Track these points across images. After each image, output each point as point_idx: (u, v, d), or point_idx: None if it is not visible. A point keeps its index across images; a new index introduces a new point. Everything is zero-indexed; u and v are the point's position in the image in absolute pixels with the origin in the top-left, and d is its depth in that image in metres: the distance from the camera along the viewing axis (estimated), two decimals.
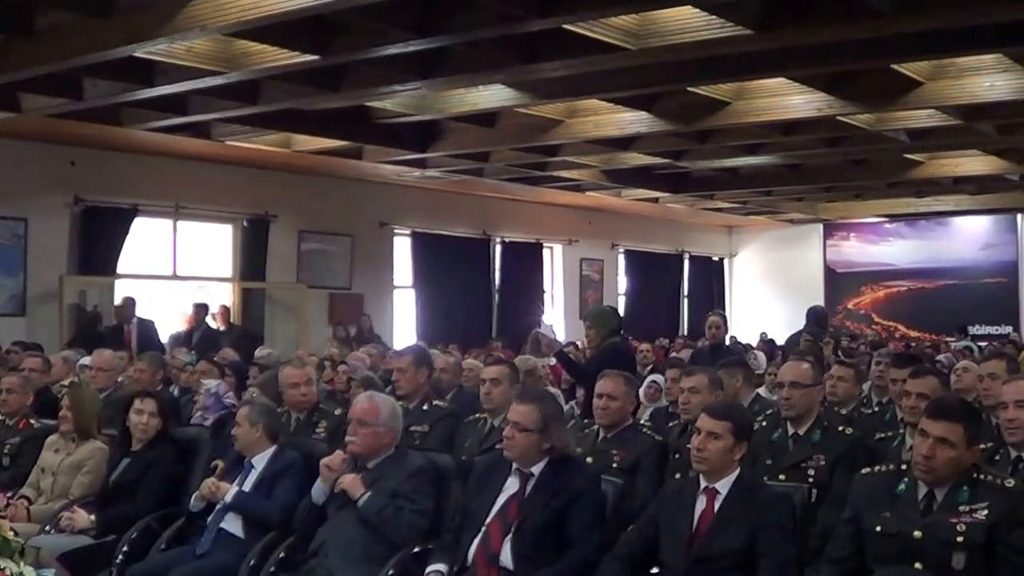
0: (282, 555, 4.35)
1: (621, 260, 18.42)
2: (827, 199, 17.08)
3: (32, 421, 5.87)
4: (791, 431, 4.45)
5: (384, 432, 4.40)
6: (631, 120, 9.70)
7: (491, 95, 8.74)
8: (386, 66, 7.40)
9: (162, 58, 7.21)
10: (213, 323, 11.56)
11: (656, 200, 15.82)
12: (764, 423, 4.60)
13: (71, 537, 4.82)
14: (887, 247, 19.32)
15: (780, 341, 12.47)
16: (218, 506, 4.62)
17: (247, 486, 4.68)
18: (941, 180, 13.92)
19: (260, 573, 4.30)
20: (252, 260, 12.56)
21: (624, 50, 6.71)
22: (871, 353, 9.42)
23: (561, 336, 10.99)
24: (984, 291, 18.05)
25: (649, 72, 7.74)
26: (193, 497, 4.75)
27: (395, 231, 14.46)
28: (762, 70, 7.89)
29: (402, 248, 14.67)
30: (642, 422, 5.47)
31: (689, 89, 8.73)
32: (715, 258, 20.43)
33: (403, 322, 14.62)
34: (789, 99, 8.95)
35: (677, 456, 4.62)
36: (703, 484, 3.73)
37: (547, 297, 16.94)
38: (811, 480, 4.23)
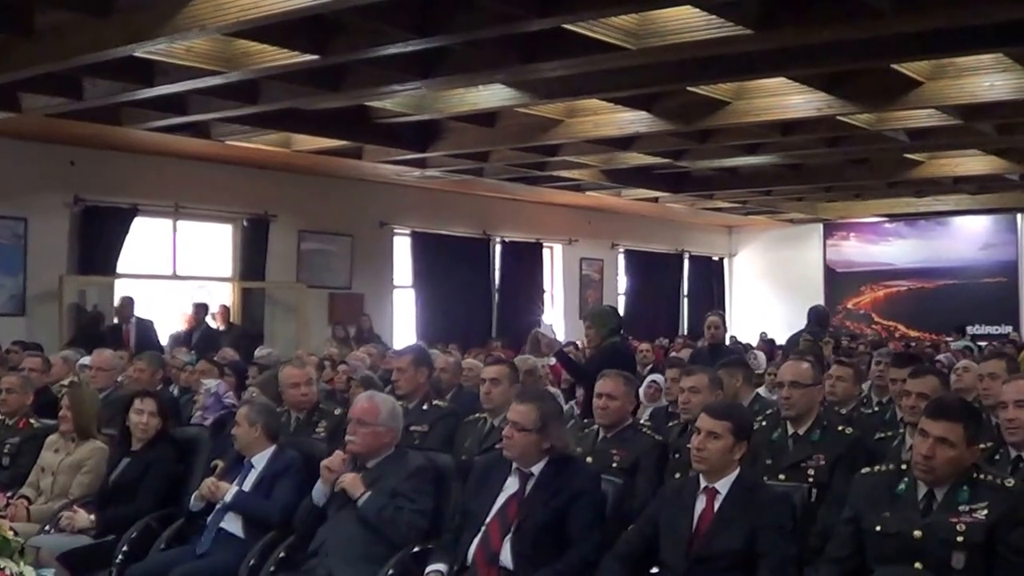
0: (282, 555, 4.35)
1: (621, 260, 18.42)
2: (827, 199, 17.08)
3: (32, 421, 5.87)
4: (791, 431, 4.44)
5: (384, 432, 4.39)
6: (631, 120, 9.70)
7: (491, 95, 8.74)
8: (386, 66, 7.40)
9: (162, 58, 7.20)
10: (213, 323, 11.57)
11: (656, 200, 15.82)
12: (764, 423, 4.60)
13: (71, 537, 4.82)
14: (887, 247, 19.32)
15: (780, 341, 12.46)
16: (218, 506, 4.62)
17: (247, 486, 4.68)
18: (941, 180, 13.92)
19: (260, 573, 4.30)
20: (252, 260, 12.55)
21: (624, 50, 6.70)
22: (871, 353, 9.42)
23: (561, 336, 10.96)
24: (984, 291, 18.05)
25: (649, 72, 7.74)
26: (193, 497, 4.75)
27: (395, 231, 14.45)
28: (762, 70, 7.89)
29: (402, 248, 14.66)
30: (642, 422, 5.46)
31: (689, 89, 8.73)
32: (715, 258, 20.42)
33: (403, 322, 14.61)
34: (789, 99, 8.95)
35: (677, 456, 4.61)
36: (703, 484, 3.73)
37: (547, 297, 16.93)
38: (811, 480, 4.22)
